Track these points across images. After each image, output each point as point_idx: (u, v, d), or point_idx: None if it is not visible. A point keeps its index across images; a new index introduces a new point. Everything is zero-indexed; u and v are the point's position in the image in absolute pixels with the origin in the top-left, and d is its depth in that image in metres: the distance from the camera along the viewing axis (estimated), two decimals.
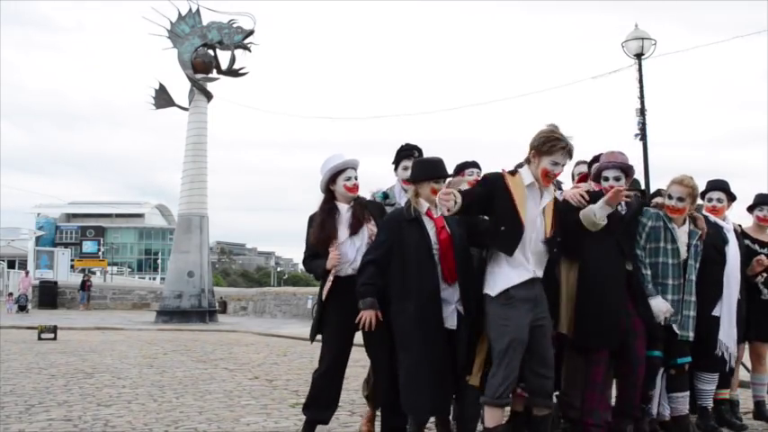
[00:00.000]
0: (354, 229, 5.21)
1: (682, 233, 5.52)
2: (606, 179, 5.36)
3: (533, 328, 4.57)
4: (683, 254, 5.49)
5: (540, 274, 4.66)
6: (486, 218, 4.78)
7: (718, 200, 6.10)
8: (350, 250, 5.19)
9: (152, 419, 6.48)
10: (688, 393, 5.62)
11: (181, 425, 6.25)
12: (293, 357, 11.94)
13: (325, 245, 5.20)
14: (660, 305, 5.31)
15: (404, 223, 4.88)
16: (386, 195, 5.75)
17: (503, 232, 4.54)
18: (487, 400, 4.52)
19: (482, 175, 4.92)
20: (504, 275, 4.59)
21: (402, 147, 5.72)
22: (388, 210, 5.48)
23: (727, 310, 5.82)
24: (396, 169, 5.74)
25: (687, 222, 5.59)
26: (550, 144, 4.54)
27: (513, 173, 4.65)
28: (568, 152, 4.59)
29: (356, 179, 5.34)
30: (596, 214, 4.81)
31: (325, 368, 5.28)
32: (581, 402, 5.24)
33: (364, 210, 5.31)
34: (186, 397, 7.75)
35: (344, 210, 5.30)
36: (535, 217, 4.61)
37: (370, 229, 5.23)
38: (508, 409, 5.03)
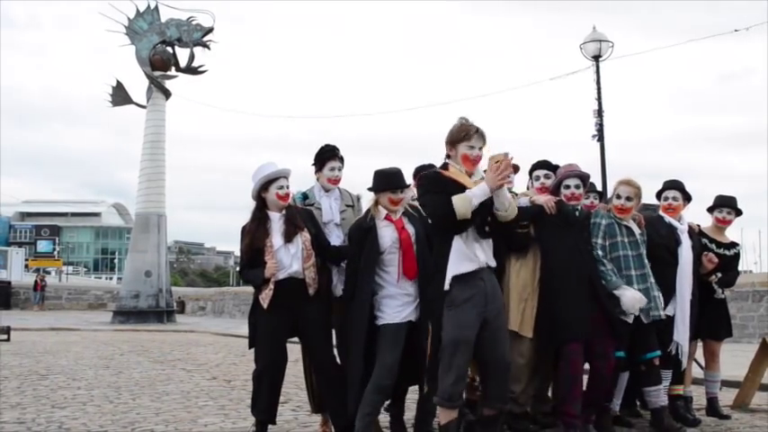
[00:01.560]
0: (288, 236, 5.25)
1: (634, 227, 5.73)
2: (567, 187, 5.67)
3: (485, 327, 4.58)
4: (641, 245, 5.67)
5: (487, 261, 4.69)
6: None
7: (674, 198, 6.21)
8: (285, 257, 5.24)
9: (108, 421, 6.39)
10: (662, 386, 5.74)
11: (137, 426, 6.18)
12: (252, 358, 11.82)
13: (258, 253, 5.24)
14: (634, 296, 5.42)
15: (363, 232, 5.13)
16: (305, 196, 5.73)
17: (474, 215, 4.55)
18: (441, 402, 4.59)
19: (421, 179, 4.96)
20: (451, 268, 4.63)
21: (325, 148, 5.70)
22: (316, 213, 5.60)
23: (680, 309, 5.93)
24: (321, 170, 5.69)
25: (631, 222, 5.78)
26: (462, 132, 4.72)
27: (445, 168, 4.74)
28: (481, 136, 4.73)
29: (288, 188, 5.41)
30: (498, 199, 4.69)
31: (261, 369, 5.34)
32: (563, 394, 5.40)
33: (298, 217, 5.35)
34: (143, 398, 7.65)
35: (276, 218, 5.33)
36: None
37: (303, 235, 5.28)
38: None
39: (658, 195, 6.31)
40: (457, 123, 4.78)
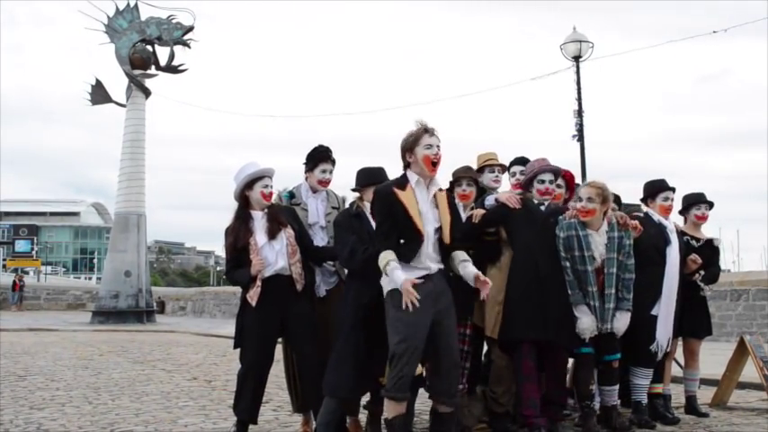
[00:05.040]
0: (272, 233, 5.25)
1: (598, 236, 5.56)
2: (542, 182, 5.65)
3: (434, 327, 4.67)
4: (598, 259, 5.53)
5: (436, 267, 4.76)
6: None
7: (673, 200, 6.30)
8: (270, 254, 5.24)
9: (87, 422, 6.35)
10: (617, 387, 5.76)
11: (117, 427, 6.14)
12: (232, 358, 11.78)
13: (244, 253, 5.23)
14: (589, 325, 5.44)
15: (351, 219, 5.17)
16: (292, 195, 5.72)
17: (403, 245, 4.65)
18: (386, 393, 4.73)
19: (375, 194, 4.91)
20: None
21: (319, 149, 5.66)
22: (299, 212, 5.57)
23: (665, 309, 5.96)
24: (312, 170, 5.65)
25: (604, 225, 5.62)
26: (415, 136, 4.75)
27: (402, 186, 4.74)
28: (433, 133, 4.76)
29: (272, 188, 5.41)
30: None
31: (247, 367, 5.31)
32: (519, 396, 5.42)
33: (281, 214, 5.36)
34: (122, 399, 7.60)
35: (259, 216, 5.33)
36: (427, 212, 4.73)
37: (287, 231, 5.28)
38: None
39: (654, 195, 6.26)
40: (408, 132, 4.80)
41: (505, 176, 6.20)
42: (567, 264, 5.50)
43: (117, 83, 26.70)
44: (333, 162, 5.68)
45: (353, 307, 5.01)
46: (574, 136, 17.29)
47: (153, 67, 26.50)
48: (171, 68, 26.46)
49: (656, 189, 6.30)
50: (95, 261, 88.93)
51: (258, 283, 5.19)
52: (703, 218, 6.54)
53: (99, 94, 26.51)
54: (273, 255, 5.24)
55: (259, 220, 5.32)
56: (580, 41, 17.57)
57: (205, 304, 29.46)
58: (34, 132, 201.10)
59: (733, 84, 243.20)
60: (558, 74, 18.74)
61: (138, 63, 25.95)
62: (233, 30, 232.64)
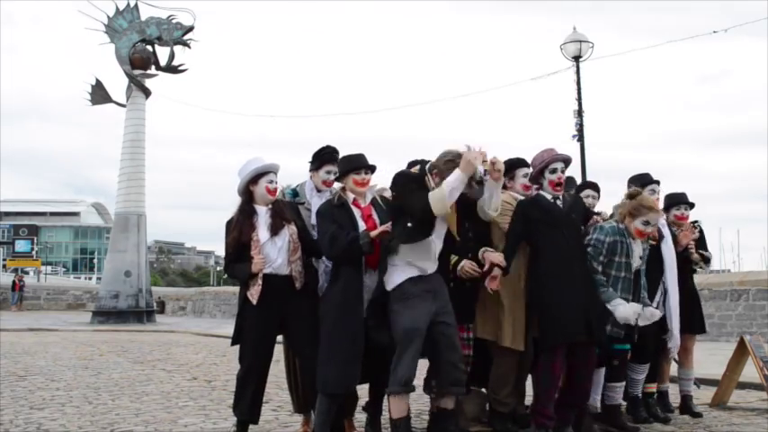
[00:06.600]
0: (275, 229, 5.23)
1: (637, 246, 5.58)
2: (554, 171, 5.54)
3: (436, 323, 4.77)
4: (635, 267, 5.54)
5: (434, 268, 4.91)
6: None
7: (658, 192, 6.32)
8: (271, 251, 5.21)
9: (87, 422, 6.35)
10: (624, 384, 5.77)
11: (117, 427, 6.14)
12: (232, 358, 11.78)
13: (245, 247, 5.21)
14: (627, 311, 5.36)
15: (334, 210, 5.10)
16: (295, 193, 5.71)
17: (410, 228, 4.72)
18: (393, 389, 4.71)
19: (398, 175, 5.00)
20: (400, 271, 4.82)
21: (325, 150, 5.63)
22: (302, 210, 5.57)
23: (672, 305, 6.01)
24: (317, 170, 5.63)
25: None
26: (449, 164, 4.81)
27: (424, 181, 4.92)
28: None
29: (276, 183, 5.40)
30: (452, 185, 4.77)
31: (247, 367, 5.29)
32: (541, 394, 5.36)
33: (285, 210, 5.35)
34: (122, 399, 7.61)
35: (263, 212, 5.31)
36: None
37: (290, 228, 5.27)
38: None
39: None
40: (452, 157, 4.82)
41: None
42: (599, 267, 5.44)
43: (117, 83, 26.76)
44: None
45: (339, 299, 4.97)
46: (574, 136, 17.33)
47: (153, 67, 26.51)
48: (171, 68, 26.48)
49: (643, 183, 6.29)
50: (95, 261, 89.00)
51: (259, 281, 5.17)
52: (683, 218, 6.53)
53: (99, 94, 26.52)
54: (275, 252, 5.21)
55: (263, 216, 5.29)
56: (580, 41, 17.61)
57: (205, 304, 29.44)
58: (34, 132, 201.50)
59: (733, 84, 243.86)
60: (558, 74, 18.81)
61: (138, 63, 25.96)
62: (233, 29, 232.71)
